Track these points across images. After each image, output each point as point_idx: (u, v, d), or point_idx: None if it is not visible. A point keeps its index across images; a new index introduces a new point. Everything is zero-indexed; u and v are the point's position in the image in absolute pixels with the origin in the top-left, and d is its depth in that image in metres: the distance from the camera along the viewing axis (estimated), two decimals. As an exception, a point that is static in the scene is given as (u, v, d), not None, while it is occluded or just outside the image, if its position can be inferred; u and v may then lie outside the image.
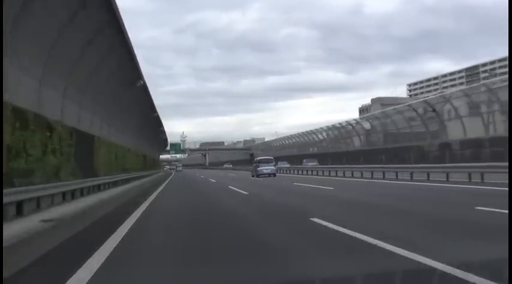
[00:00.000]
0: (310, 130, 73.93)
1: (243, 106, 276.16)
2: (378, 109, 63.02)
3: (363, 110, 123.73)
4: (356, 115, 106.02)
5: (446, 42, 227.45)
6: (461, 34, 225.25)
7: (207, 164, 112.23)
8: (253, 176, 37.51)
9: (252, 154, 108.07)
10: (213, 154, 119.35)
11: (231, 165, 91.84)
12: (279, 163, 75.35)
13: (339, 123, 64.63)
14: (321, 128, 71.37)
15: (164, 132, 56.18)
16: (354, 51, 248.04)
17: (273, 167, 38.67)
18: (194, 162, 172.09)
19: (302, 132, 78.14)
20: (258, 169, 37.63)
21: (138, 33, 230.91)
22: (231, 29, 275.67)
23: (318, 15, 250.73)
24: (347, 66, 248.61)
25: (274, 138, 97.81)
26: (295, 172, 49.98)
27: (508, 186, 11.91)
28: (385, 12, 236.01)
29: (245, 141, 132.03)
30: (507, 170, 15.42)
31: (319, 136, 72.51)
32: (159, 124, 47.44)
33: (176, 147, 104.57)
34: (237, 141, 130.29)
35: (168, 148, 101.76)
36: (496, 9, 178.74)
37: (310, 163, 57.83)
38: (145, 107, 34.39)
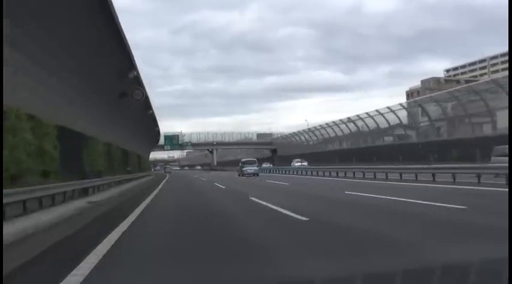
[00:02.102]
0: (377, 111, 47.53)
1: (240, 107, 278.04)
2: None
3: (412, 94, 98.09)
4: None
5: (445, 42, 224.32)
6: (461, 33, 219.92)
7: (215, 163, 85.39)
8: (239, 175, 41.86)
9: (274, 151, 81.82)
10: (218, 153, 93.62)
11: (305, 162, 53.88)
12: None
13: (448, 92, 38.66)
14: (401, 104, 45.28)
15: (150, 104, 30.41)
16: (353, 51, 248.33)
17: (256, 167, 43.47)
18: (195, 162, 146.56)
19: (357, 115, 51.67)
20: (243, 169, 42.56)
21: (135, 34, 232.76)
22: (228, 29, 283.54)
23: (317, 14, 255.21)
24: (345, 66, 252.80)
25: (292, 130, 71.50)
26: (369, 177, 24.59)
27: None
28: (384, 12, 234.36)
29: (259, 135, 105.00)
30: None
31: (392, 118, 46.36)
32: (137, 80, 21.98)
33: (173, 141, 78.38)
34: (248, 136, 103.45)
35: (162, 142, 75.74)
36: (496, 8, 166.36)
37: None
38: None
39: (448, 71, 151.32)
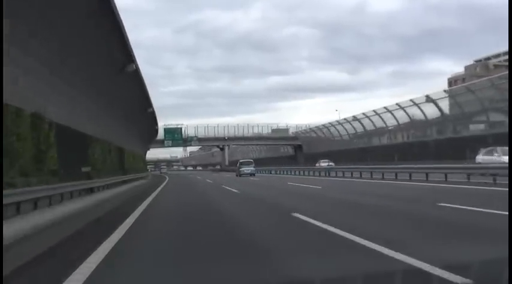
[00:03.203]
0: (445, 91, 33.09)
1: (245, 107, 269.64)
2: None
3: (455, 81, 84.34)
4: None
5: (449, 41, 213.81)
6: (465, 33, 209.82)
7: (227, 163, 70.83)
8: (237, 175, 43.20)
9: (299, 147, 67.60)
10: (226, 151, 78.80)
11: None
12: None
13: None
14: (466, 87, 31.22)
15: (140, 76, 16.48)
16: (357, 50, 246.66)
17: (252, 168, 44.82)
18: (199, 161, 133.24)
19: (427, 96, 37.30)
20: (241, 169, 44.44)
21: (138, 34, 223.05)
22: (232, 28, 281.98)
23: (321, 14, 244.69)
24: (349, 66, 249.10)
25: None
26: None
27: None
28: (388, 11, 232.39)
29: (274, 130, 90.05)
30: None
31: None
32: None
33: (175, 136, 64.18)
34: (261, 132, 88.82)
35: (162, 136, 61.63)
36: (500, 8, 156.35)
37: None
38: None
39: (478, 62, 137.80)
